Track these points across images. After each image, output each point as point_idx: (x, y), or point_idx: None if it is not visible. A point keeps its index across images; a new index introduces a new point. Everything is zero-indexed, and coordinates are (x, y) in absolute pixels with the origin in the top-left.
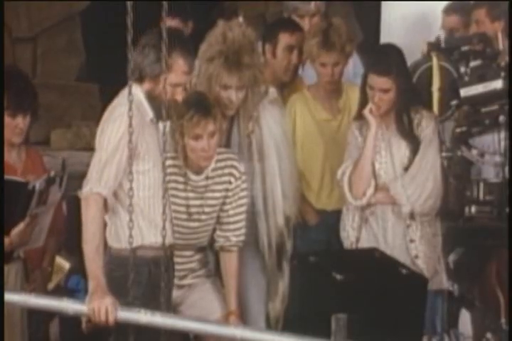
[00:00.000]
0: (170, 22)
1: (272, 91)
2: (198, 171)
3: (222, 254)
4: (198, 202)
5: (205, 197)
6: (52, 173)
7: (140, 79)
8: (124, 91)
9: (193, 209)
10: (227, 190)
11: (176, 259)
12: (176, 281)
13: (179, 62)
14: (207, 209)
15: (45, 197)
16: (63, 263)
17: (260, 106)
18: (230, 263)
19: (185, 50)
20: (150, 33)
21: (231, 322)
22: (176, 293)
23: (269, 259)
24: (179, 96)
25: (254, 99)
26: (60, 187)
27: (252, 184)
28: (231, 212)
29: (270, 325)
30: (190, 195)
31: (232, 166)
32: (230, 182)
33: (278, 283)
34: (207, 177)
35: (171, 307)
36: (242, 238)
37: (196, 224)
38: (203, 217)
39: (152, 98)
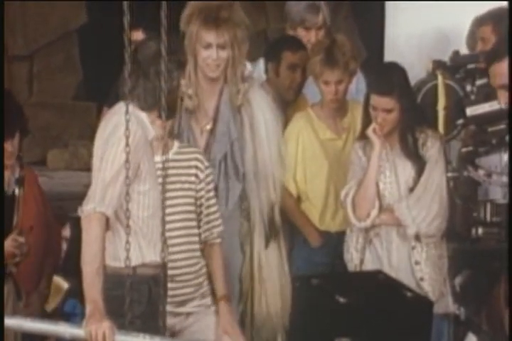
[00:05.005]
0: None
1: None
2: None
3: (208, 249)
4: None
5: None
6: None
7: None
8: (123, 108)
9: None
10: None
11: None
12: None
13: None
14: None
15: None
16: (62, 282)
17: (247, 84)
18: (216, 255)
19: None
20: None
21: (221, 308)
22: (174, 320)
23: (260, 233)
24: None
25: (239, 63)
26: None
27: (242, 159)
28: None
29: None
30: None
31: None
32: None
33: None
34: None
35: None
36: (221, 228)
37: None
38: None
39: None
